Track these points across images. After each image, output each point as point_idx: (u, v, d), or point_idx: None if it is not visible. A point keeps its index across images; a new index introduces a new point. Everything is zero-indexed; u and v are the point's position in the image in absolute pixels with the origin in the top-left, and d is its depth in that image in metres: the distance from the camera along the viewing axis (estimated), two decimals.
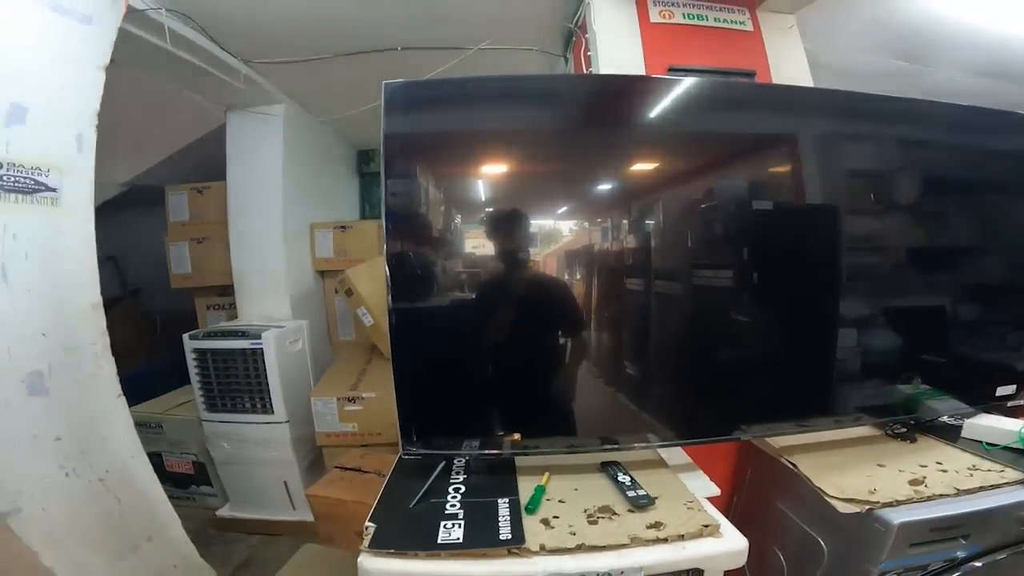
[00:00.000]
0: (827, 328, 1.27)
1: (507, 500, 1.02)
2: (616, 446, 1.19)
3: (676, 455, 1.27)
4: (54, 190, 1.28)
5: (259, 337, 2.12)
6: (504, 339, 1.18)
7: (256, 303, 2.50)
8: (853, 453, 1.27)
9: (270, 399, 2.17)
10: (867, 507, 1.04)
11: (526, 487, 1.07)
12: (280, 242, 2.49)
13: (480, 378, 1.19)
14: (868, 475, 1.15)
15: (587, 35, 1.71)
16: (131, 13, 1.49)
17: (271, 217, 2.47)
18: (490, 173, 1.19)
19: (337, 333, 3.06)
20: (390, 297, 1.06)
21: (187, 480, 2.41)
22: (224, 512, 2.31)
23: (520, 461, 1.19)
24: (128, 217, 3.11)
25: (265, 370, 2.13)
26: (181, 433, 2.35)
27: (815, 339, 1.29)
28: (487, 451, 1.16)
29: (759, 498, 1.37)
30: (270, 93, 2.33)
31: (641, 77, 1.52)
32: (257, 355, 2.12)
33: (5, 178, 1.18)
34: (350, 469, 1.84)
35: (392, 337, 1.07)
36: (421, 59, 1.80)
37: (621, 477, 1.10)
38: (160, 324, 3.47)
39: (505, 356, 1.18)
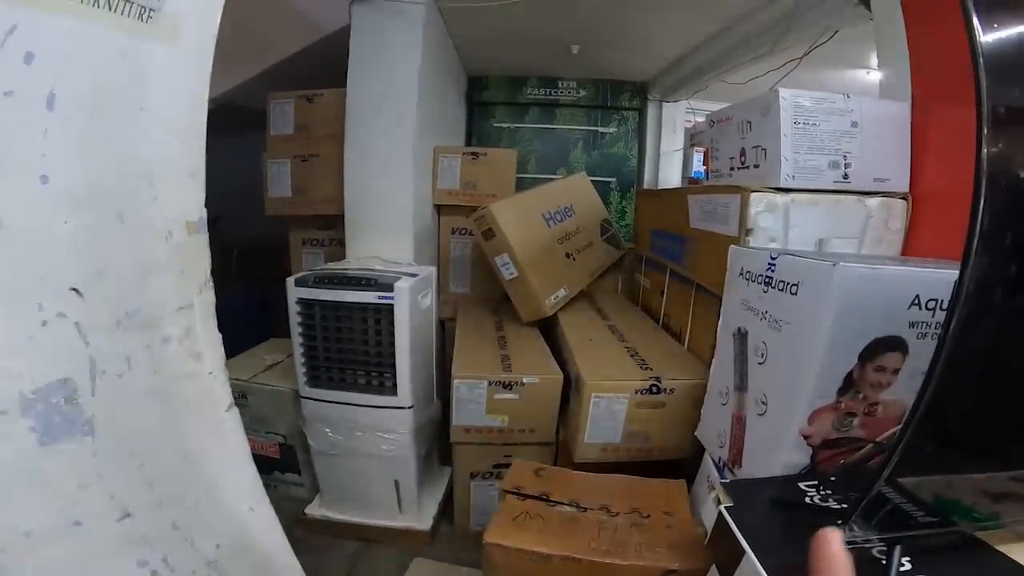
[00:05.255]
0: None
1: None
2: None
3: None
4: None
5: (390, 289, 1.49)
6: None
7: (370, 240, 1.89)
8: None
9: (394, 376, 1.55)
10: None
11: None
12: (410, 164, 1.86)
13: None
14: None
15: None
16: None
17: (401, 132, 1.85)
18: None
19: (449, 284, 2.44)
20: (975, 241, 0.39)
21: (270, 465, 1.88)
22: (315, 511, 1.76)
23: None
24: (212, 141, 2.56)
25: (393, 335, 1.51)
26: (270, 408, 1.79)
27: None
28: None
29: None
30: None
31: None
32: (383, 313, 1.50)
33: None
34: (533, 497, 1.19)
35: (961, 327, 0.40)
36: None
37: None
38: (237, 255, 2.95)
39: None
